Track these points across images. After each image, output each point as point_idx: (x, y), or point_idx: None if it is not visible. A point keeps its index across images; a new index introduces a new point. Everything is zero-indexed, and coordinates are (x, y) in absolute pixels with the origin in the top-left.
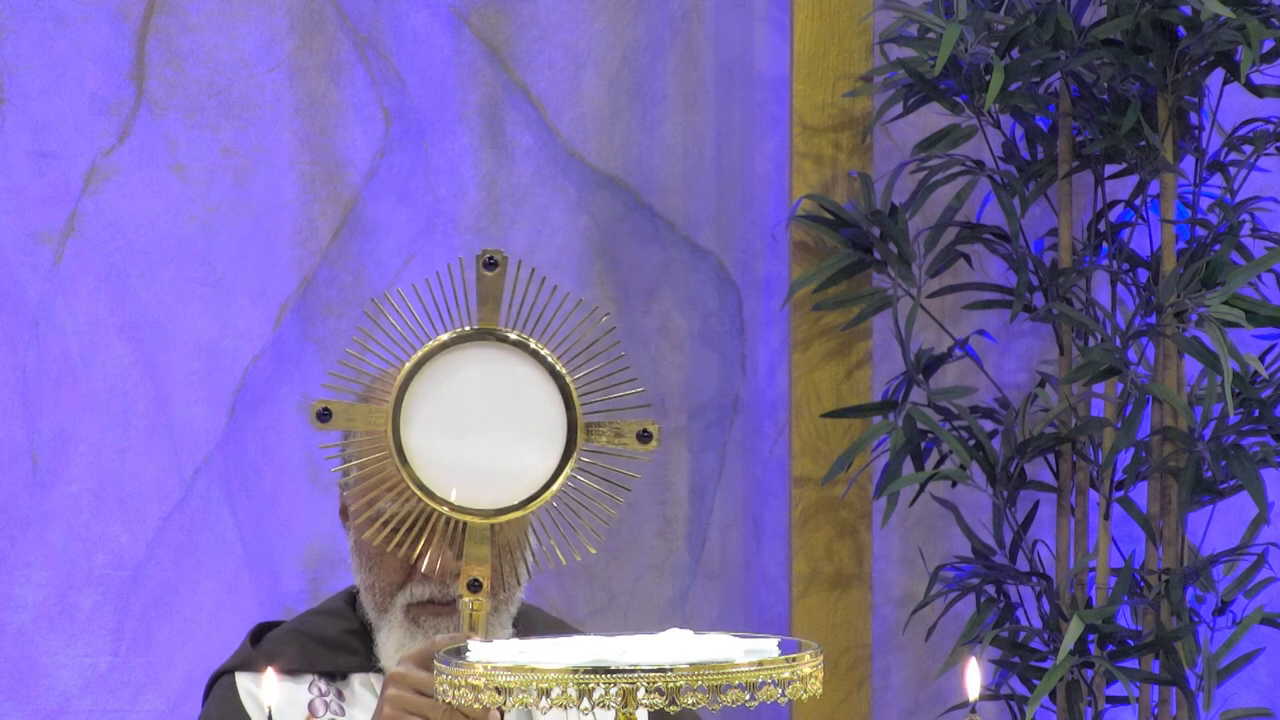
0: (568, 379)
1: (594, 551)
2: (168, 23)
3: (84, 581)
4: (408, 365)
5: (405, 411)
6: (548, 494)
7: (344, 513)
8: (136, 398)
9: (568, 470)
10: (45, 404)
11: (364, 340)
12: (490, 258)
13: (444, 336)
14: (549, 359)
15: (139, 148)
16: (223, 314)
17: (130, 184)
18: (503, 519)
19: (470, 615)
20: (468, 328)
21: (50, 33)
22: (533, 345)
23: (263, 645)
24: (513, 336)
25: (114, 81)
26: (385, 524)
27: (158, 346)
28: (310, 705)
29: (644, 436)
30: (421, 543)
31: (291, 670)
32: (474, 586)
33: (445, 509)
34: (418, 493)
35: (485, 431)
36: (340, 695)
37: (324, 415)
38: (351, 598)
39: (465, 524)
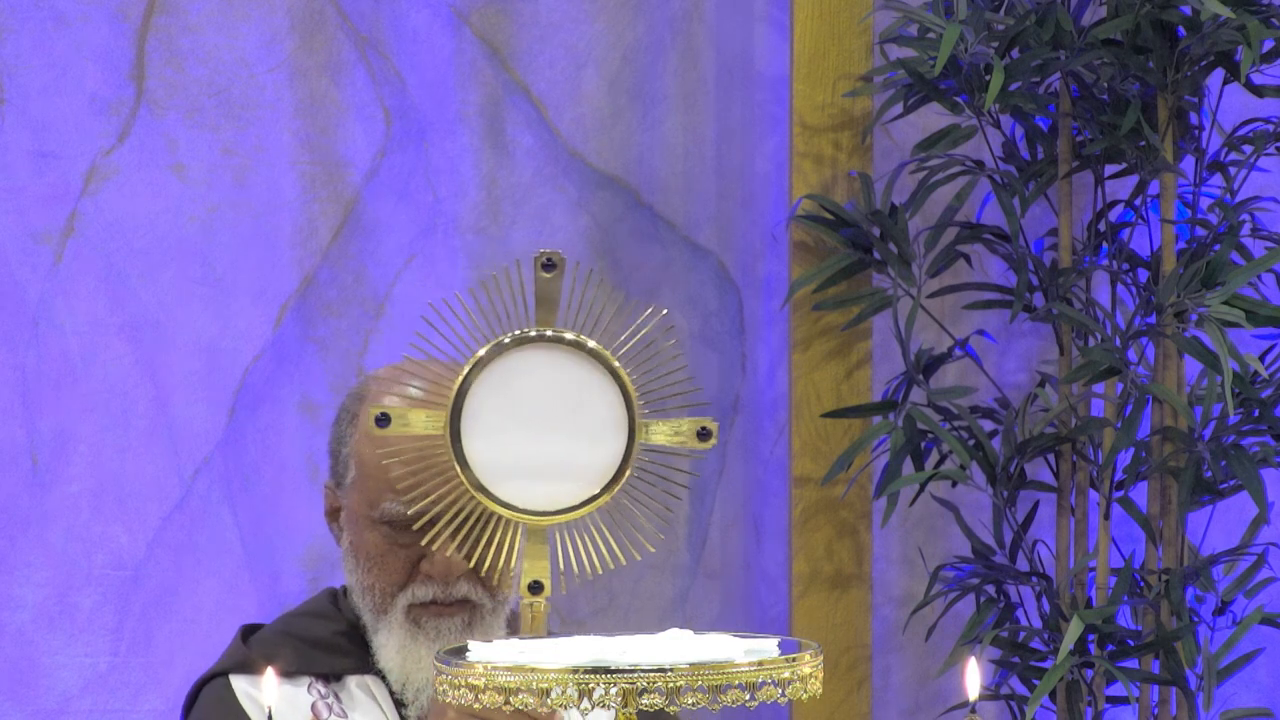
0: (626, 378)
1: (653, 550)
2: (168, 23)
3: (84, 581)
4: (466, 368)
5: (464, 415)
6: (609, 494)
7: (333, 514)
8: (136, 398)
9: (629, 470)
10: (45, 404)
11: (420, 345)
12: (548, 259)
13: (502, 338)
14: (608, 359)
15: (139, 148)
16: (223, 314)
17: (130, 184)
18: (562, 519)
19: (532, 617)
20: (526, 330)
21: (50, 33)
22: (592, 345)
23: (254, 647)
24: (571, 337)
25: (114, 81)
26: (453, 524)
27: (158, 346)
28: (313, 707)
29: (703, 434)
30: (482, 542)
31: (288, 672)
32: (535, 588)
33: (504, 511)
34: (477, 495)
35: (545, 432)
36: (338, 697)
37: (382, 420)
38: (333, 598)
39: (522, 525)
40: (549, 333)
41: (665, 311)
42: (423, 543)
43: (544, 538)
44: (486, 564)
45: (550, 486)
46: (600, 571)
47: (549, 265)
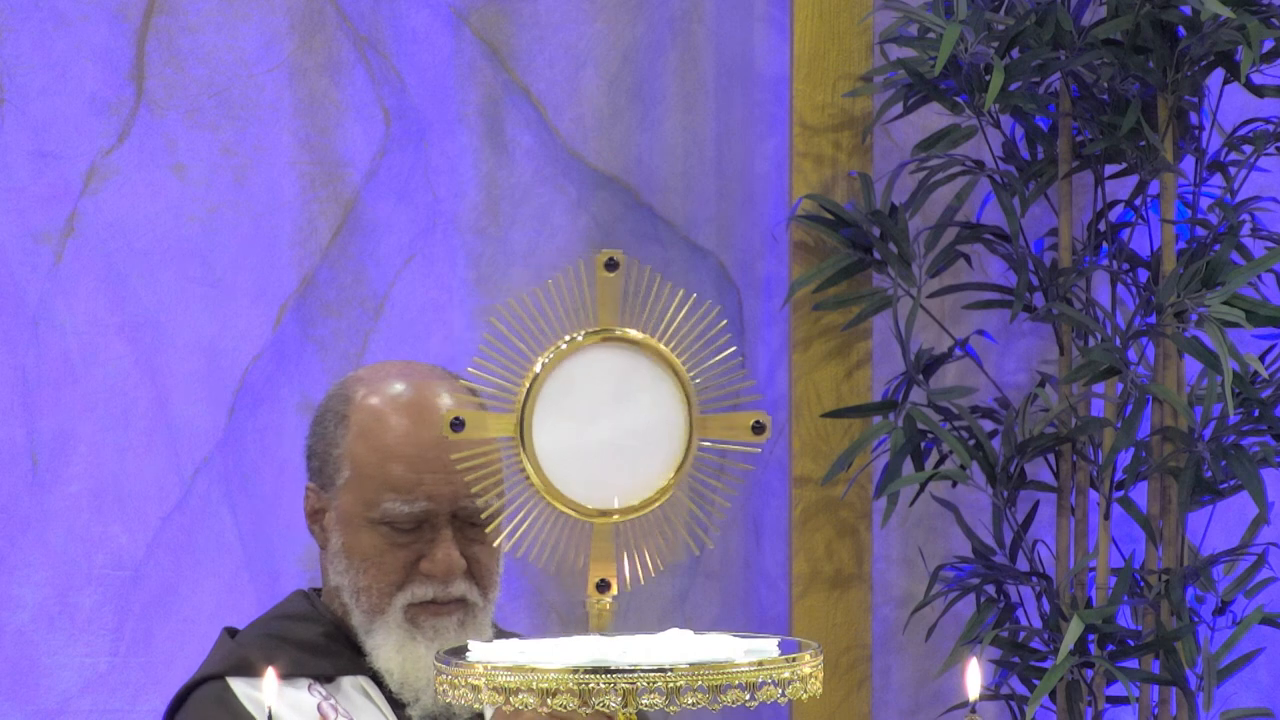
0: (685, 375)
1: (711, 545)
2: (168, 23)
3: (84, 581)
4: (534, 369)
5: (533, 416)
6: (670, 490)
7: (316, 515)
8: (136, 398)
9: (687, 465)
10: (45, 404)
11: (490, 348)
12: (610, 259)
13: (568, 338)
14: (668, 356)
15: (139, 148)
16: (223, 314)
17: (130, 184)
18: (627, 517)
19: (599, 615)
20: (590, 330)
21: (50, 33)
22: (654, 343)
23: (248, 649)
24: (633, 335)
25: (114, 81)
26: (521, 526)
27: (158, 346)
28: (319, 709)
29: (757, 428)
30: (551, 543)
31: (286, 674)
32: (602, 587)
33: (573, 512)
34: (547, 496)
35: (607, 432)
36: (334, 699)
37: (457, 425)
38: (308, 600)
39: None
40: (616, 331)
41: (719, 308)
42: (494, 544)
43: (610, 536)
44: (554, 565)
45: (615, 486)
46: (661, 568)
47: (612, 265)
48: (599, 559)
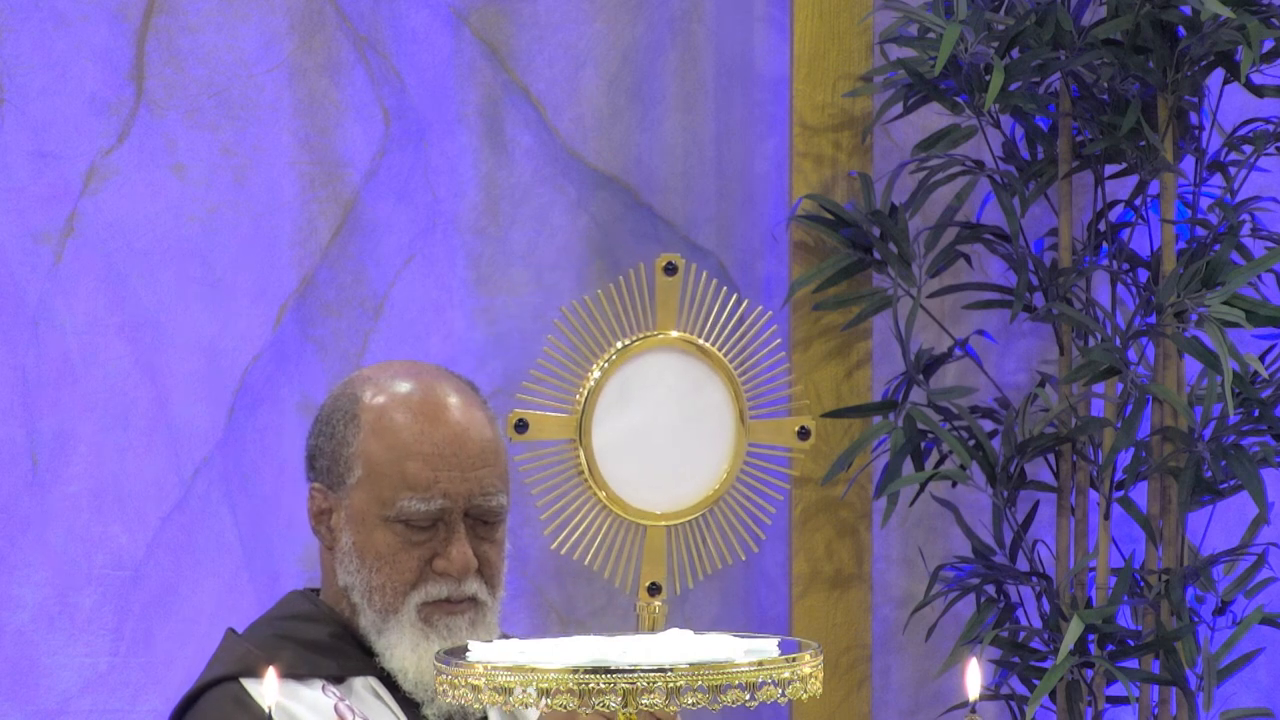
0: (737, 380)
1: (756, 549)
2: (167, 23)
3: (84, 581)
4: (595, 372)
5: (592, 418)
6: (720, 494)
7: (323, 515)
8: (136, 398)
9: (737, 469)
10: (45, 404)
11: (554, 350)
12: (669, 263)
13: (626, 341)
14: (722, 360)
15: (139, 148)
16: (222, 314)
17: (130, 184)
18: (680, 520)
19: (652, 619)
20: (647, 334)
21: (50, 33)
22: (708, 348)
23: (258, 651)
24: (689, 339)
25: (114, 81)
26: (579, 530)
27: (158, 346)
28: (335, 709)
29: (803, 433)
30: (607, 546)
31: (298, 675)
32: (654, 590)
33: (630, 515)
34: (603, 498)
35: (665, 434)
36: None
37: (521, 426)
38: (309, 600)
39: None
40: (672, 335)
41: (770, 314)
42: (552, 547)
43: (662, 539)
44: (608, 570)
45: (669, 489)
46: (709, 571)
47: (671, 269)
48: (651, 562)
